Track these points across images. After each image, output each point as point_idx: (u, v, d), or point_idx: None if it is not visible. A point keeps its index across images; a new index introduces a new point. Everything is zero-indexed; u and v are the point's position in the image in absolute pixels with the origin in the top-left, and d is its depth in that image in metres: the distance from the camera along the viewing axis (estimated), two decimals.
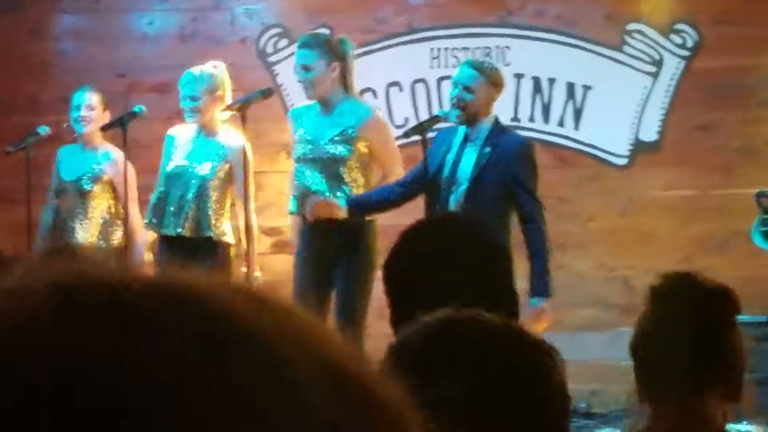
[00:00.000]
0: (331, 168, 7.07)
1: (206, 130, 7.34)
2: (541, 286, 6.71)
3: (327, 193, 7.08)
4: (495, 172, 6.70)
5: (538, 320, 6.58)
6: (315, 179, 7.03)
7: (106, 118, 7.62)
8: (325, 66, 7.00)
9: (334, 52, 7.08)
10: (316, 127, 7.06)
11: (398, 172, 7.20)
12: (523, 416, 1.90)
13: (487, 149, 6.70)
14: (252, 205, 7.43)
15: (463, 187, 6.74)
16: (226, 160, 7.28)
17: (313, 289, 7.16)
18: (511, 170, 6.71)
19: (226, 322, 0.61)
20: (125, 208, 7.68)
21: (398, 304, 2.57)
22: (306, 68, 7.05)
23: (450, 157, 6.83)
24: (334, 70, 7.03)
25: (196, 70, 7.38)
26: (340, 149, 7.04)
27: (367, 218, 7.10)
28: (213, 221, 7.28)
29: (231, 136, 7.36)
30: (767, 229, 6.67)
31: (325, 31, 8.65)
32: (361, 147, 7.09)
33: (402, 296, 2.59)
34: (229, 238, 7.31)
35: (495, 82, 6.91)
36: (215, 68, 7.44)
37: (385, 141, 7.35)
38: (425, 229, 3.10)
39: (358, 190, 7.11)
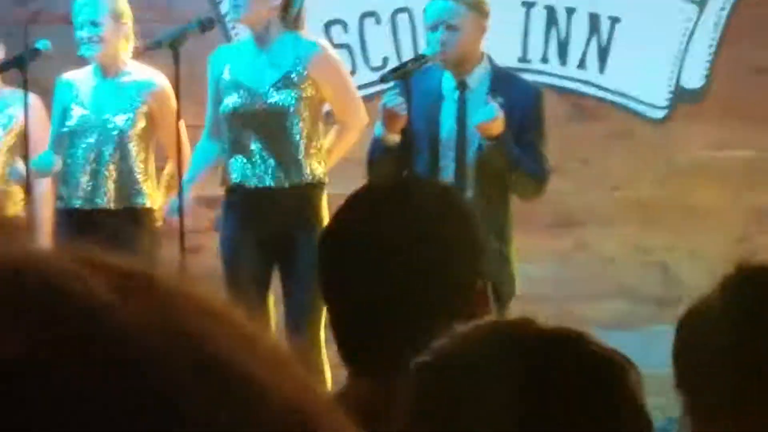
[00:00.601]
0: (273, 123, 6.76)
1: (112, 70, 7.01)
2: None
3: (264, 161, 6.90)
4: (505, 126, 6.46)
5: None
6: (251, 142, 6.83)
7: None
8: None
9: None
10: (250, 70, 6.78)
11: (360, 121, 6.95)
12: None
13: (498, 100, 6.46)
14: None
15: (475, 148, 6.55)
16: (145, 104, 7.02)
17: (249, 284, 6.82)
18: (525, 131, 6.53)
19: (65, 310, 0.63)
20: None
21: (337, 295, 2.39)
22: None
23: (449, 110, 6.61)
24: None
25: None
26: (283, 97, 6.75)
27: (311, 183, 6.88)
28: (141, 186, 7.05)
29: (146, 72, 7.11)
30: None
31: None
32: (310, 93, 6.83)
33: (342, 286, 2.38)
34: (154, 202, 7.20)
35: (482, 9, 6.66)
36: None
37: (340, 83, 7.04)
38: (379, 195, 2.72)
39: (308, 152, 6.84)
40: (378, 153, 6.64)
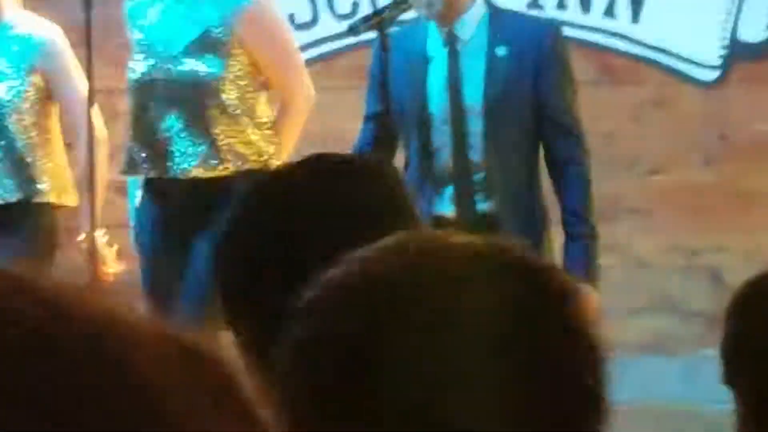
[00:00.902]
0: (192, 98, 6.05)
1: None
2: (587, 265, 5.92)
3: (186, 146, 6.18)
4: (518, 86, 5.88)
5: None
6: (166, 118, 6.11)
7: None
8: None
9: None
10: (162, 27, 6.14)
11: (306, 100, 6.27)
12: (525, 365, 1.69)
13: (502, 49, 5.86)
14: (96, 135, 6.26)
15: (479, 117, 5.87)
16: (35, 68, 6.19)
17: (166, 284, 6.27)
18: (544, 84, 5.90)
19: None
20: None
21: (234, 287, 2.30)
22: None
23: (438, 75, 5.94)
24: None
25: None
26: (202, 65, 6.07)
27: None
28: (37, 171, 6.34)
29: (34, 24, 6.41)
30: None
31: None
32: (240, 57, 6.11)
33: (242, 277, 2.29)
34: (58, 196, 6.37)
35: None
36: None
37: (277, 44, 6.24)
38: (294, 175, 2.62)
39: (237, 137, 6.17)
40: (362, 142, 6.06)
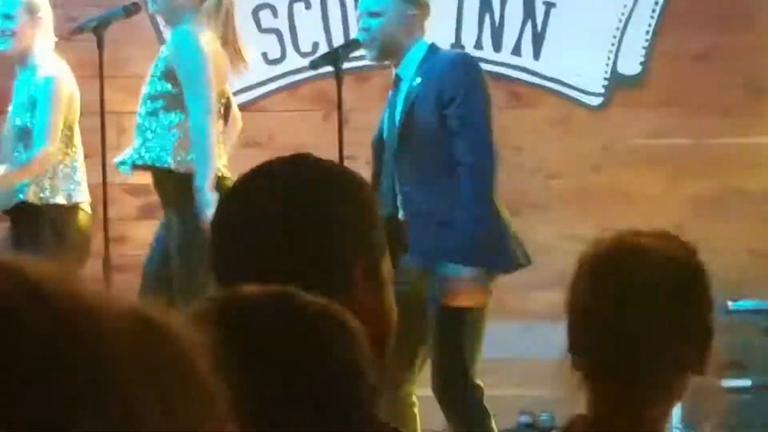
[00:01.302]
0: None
1: (24, 63, 6.95)
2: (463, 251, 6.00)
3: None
4: (425, 107, 5.96)
5: (460, 295, 5.90)
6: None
7: None
8: None
9: None
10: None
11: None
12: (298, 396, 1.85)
13: (418, 80, 5.97)
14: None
15: (393, 141, 6.08)
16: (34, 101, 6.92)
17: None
18: (440, 94, 5.97)
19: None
20: None
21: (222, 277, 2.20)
22: None
23: (386, 110, 6.29)
24: None
25: None
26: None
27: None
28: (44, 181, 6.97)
29: (52, 67, 6.91)
30: None
31: None
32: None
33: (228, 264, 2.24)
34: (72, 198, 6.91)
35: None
36: None
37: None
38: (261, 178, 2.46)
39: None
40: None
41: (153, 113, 6.32)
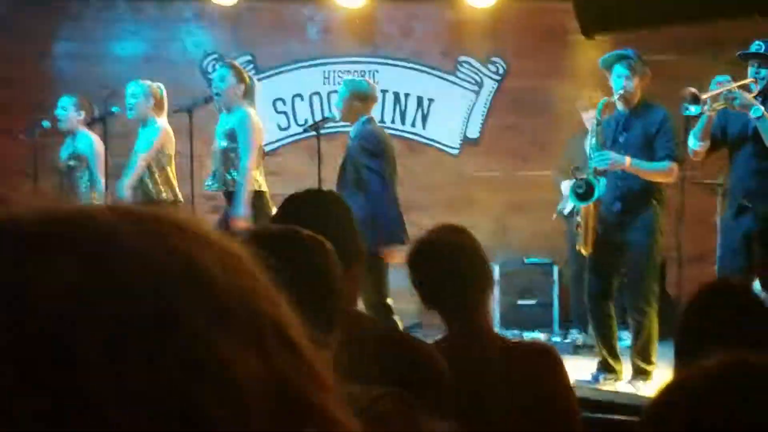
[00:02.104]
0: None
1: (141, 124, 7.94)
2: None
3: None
4: (355, 154, 6.96)
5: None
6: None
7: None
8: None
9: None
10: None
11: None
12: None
13: (354, 139, 7.06)
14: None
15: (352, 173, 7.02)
16: (157, 142, 7.72)
17: None
18: (364, 147, 6.97)
19: (103, 245, 0.63)
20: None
21: None
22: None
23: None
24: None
25: (142, 82, 7.80)
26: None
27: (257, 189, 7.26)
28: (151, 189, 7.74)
29: (161, 125, 7.74)
30: (579, 191, 6.66)
31: (249, 57, 9.57)
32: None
33: None
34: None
35: (357, 96, 7.18)
36: (152, 85, 7.83)
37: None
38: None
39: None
40: None
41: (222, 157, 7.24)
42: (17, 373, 0.56)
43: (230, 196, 7.24)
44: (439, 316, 3.17)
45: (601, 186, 6.61)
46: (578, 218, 6.81)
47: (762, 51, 6.32)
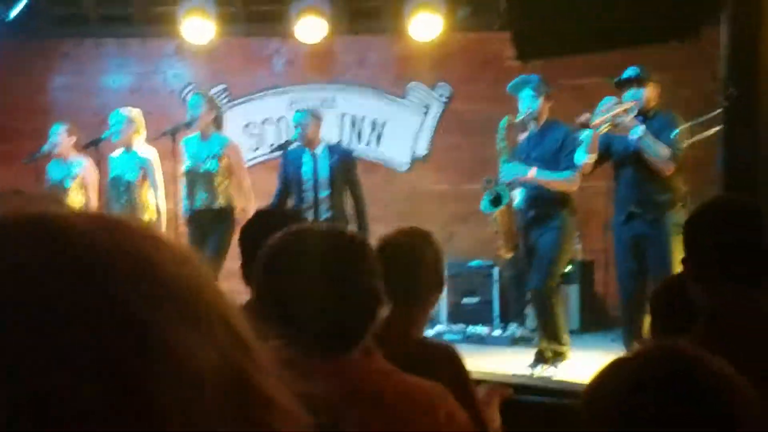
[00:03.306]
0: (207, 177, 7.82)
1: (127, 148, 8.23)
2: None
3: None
4: (339, 167, 7.64)
5: None
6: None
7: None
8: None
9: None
10: (196, 149, 7.89)
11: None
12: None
13: (335, 158, 7.66)
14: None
15: (326, 183, 7.51)
16: (143, 166, 8.06)
17: None
18: (347, 169, 7.75)
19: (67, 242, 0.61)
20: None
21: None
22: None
23: (308, 167, 7.52)
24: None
25: (122, 110, 8.15)
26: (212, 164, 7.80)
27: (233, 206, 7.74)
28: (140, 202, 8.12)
29: (145, 150, 8.09)
30: (489, 198, 6.94)
31: (223, 86, 9.96)
32: (225, 163, 7.79)
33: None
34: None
35: (318, 116, 7.80)
36: (131, 111, 8.18)
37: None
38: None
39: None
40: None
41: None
42: None
43: (218, 212, 7.65)
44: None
45: (506, 194, 6.85)
46: (496, 225, 6.99)
47: (635, 75, 6.72)
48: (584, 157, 6.82)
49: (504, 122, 7.19)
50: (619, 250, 6.91)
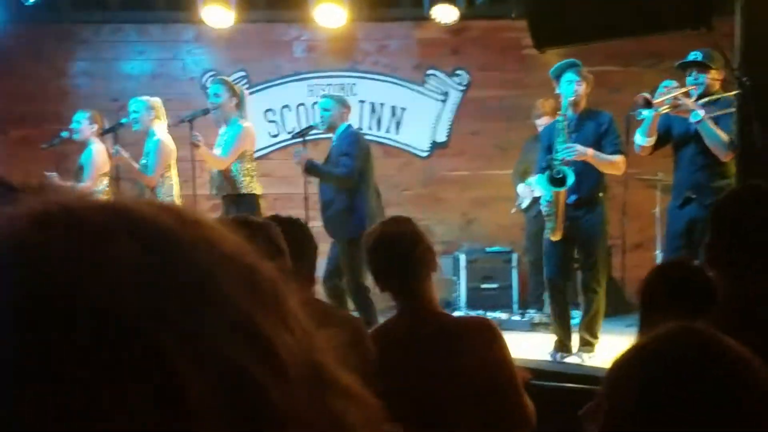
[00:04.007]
0: None
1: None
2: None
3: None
4: (337, 153, 7.68)
5: None
6: None
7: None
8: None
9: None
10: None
11: None
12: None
13: (336, 141, 7.79)
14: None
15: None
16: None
17: None
18: (339, 147, 7.70)
19: (157, 231, 0.61)
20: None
21: None
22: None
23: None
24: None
25: (142, 98, 8.22)
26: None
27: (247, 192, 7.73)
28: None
29: (162, 135, 8.11)
30: (548, 178, 6.87)
31: (242, 73, 9.95)
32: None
33: None
34: None
35: (344, 103, 7.85)
36: (150, 99, 8.22)
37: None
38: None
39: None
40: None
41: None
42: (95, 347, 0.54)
43: (234, 198, 7.64)
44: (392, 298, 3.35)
45: (571, 175, 6.79)
46: (544, 208, 6.98)
47: (699, 59, 6.68)
48: (644, 140, 6.83)
49: (561, 120, 7.03)
50: (671, 234, 6.90)
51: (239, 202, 7.64)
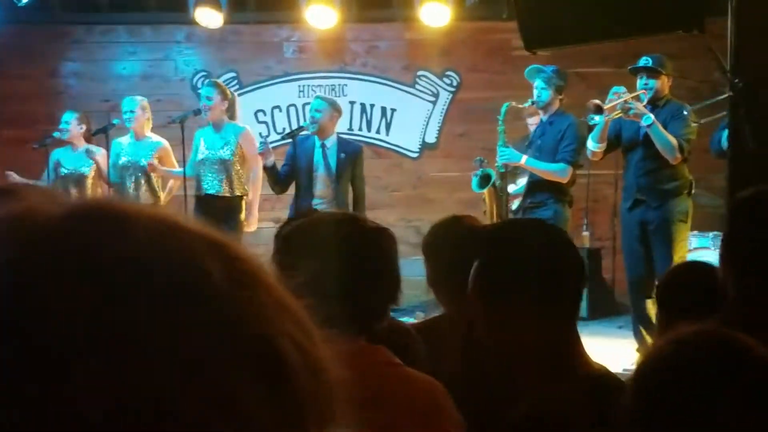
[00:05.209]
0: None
1: (140, 137, 8.13)
2: None
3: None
4: (346, 166, 7.55)
5: None
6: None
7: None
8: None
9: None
10: (210, 140, 7.81)
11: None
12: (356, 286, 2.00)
13: (342, 153, 7.56)
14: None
15: (333, 174, 7.49)
16: (156, 153, 8.10)
17: None
18: (355, 165, 7.68)
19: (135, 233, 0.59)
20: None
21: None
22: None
23: (318, 156, 7.48)
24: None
25: (135, 98, 8.15)
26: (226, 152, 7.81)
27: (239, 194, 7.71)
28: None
29: (155, 137, 8.16)
30: (478, 178, 7.33)
31: (233, 74, 10.04)
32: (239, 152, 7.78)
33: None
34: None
35: (335, 106, 7.70)
36: (142, 100, 8.18)
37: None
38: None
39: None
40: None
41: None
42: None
43: (229, 201, 7.60)
44: (435, 297, 3.26)
45: (494, 175, 7.20)
46: (484, 206, 7.37)
47: (649, 65, 6.84)
48: (595, 146, 6.93)
49: (505, 107, 7.34)
50: (625, 236, 7.00)
51: (227, 204, 7.59)
